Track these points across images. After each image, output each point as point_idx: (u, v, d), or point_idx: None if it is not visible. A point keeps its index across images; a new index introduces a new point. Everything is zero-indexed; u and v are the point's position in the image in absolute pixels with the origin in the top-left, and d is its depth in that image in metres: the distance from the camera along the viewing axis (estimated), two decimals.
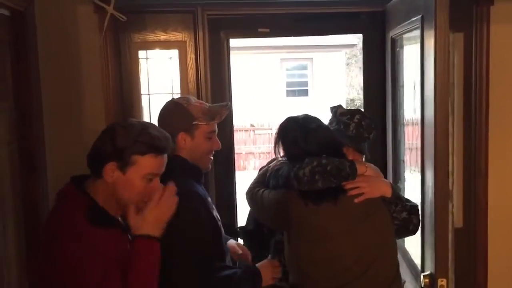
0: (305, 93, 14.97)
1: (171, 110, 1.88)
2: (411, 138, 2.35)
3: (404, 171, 2.44)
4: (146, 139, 1.48)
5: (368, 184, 1.67)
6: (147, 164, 1.48)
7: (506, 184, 2.47)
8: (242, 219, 2.45)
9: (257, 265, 1.87)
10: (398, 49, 2.38)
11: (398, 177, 2.43)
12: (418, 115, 1.99)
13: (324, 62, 14.53)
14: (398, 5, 2.26)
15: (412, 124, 2.26)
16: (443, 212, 1.73)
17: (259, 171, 2.21)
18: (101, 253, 1.39)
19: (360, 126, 1.81)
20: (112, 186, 1.47)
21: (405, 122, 2.42)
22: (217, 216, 1.87)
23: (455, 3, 1.77)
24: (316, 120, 1.78)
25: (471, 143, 2.49)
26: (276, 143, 1.81)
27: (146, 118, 2.52)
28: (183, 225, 1.64)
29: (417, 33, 1.93)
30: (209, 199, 1.92)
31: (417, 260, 2.00)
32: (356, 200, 1.65)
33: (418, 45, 1.92)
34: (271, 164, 1.93)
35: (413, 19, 1.95)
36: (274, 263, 1.86)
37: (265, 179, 1.88)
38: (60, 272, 1.35)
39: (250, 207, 1.95)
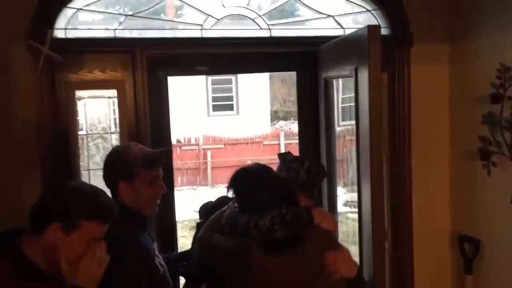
0: (230, 107, 15.12)
1: (112, 158, 1.85)
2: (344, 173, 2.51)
3: (337, 206, 2.59)
4: (96, 206, 1.47)
5: (345, 265, 1.70)
6: (92, 230, 1.47)
7: (428, 211, 2.69)
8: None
9: None
10: (330, 90, 2.53)
11: (333, 208, 2.56)
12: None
13: (248, 76, 14.75)
14: (330, 50, 2.41)
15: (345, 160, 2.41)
16: (380, 250, 1.87)
17: (200, 210, 2.23)
18: None
19: (310, 173, 1.89)
20: (52, 245, 1.43)
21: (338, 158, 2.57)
22: (159, 263, 1.87)
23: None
24: (268, 170, 1.83)
25: (395, 174, 2.68)
26: (228, 191, 1.83)
27: (83, 159, 2.47)
28: (120, 277, 1.63)
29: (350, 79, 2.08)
30: (154, 245, 1.91)
31: None
32: (332, 278, 1.67)
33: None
34: (223, 209, 1.95)
35: (347, 68, 2.09)
36: None
37: (217, 225, 1.88)
38: None
39: (203, 253, 1.92)
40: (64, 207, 1.44)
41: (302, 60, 2.69)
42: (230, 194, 1.83)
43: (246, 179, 1.79)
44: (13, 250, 1.43)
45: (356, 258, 2.03)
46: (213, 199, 2.26)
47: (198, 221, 2.19)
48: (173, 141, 12.30)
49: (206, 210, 2.16)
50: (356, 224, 2.13)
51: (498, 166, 2.32)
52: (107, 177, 1.84)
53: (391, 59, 2.65)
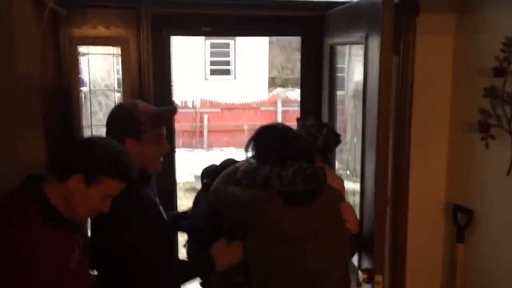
0: (228, 72, 15.03)
1: (118, 115, 1.88)
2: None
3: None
4: (120, 166, 1.54)
5: (353, 219, 1.83)
6: (111, 187, 1.54)
7: (424, 181, 2.73)
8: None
9: (212, 249, 1.92)
10: (336, 57, 2.52)
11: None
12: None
13: (247, 41, 14.63)
14: (339, 16, 2.39)
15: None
16: (381, 215, 1.91)
17: (202, 175, 2.27)
18: (55, 252, 1.46)
19: (327, 139, 1.95)
20: (71, 193, 1.51)
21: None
22: (164, 216, 1.94)
23: None
24: (292, 130, 1.90)
25: (395, 143, 2.71)
26: (248, 147, 1.89)
27: (85, 115, 2.48)
28: (133, 224, 1.72)
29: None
30: (157, 200, 1.97)
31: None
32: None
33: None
34: (238, 164, 1.99)
35: (356, 34, 2.08)
36: (234, 246, 1.90)
37: (231, 178, 1.93)
38: (14, 270, 1.39)
39: (217, 204, 1.96)
40: (91, 161, 1.51)
41: (308, 25, 2.67)
42: (250, 149, 1.88)
43: (271, 136, 1.84)
44: (38, 195, 1.50)
45: None
46: (211, 162, 2.30)
47: (204, 181, 2.23)
48: None
49: (211, 172, 2.19)
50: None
51: (496, 139, 2.34)
52: (112, 134, 1.86)
53: (397, 27, 2.63)
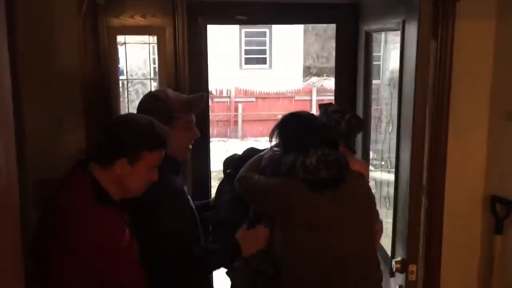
0: (263, 61, 15.00)
1: (150, 103, 1.92)
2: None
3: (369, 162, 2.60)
4: (155, 137, 1.63)
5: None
6: (154, 159, 1.64)
7: (462, 171, 2.67)
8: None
9: (237, 235, 1.94)
10: (372, 44, 2.49)
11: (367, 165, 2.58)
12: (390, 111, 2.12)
13: (282, 30, 14.54)
14: (374, 1, 2.35)
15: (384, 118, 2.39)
16: (416, 204, 1.89)
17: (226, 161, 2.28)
18: (109, 230, 1.56)
19: (350, 124, 1.94)
20: (119, 176, 1.61)
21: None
22: (192, 206, 1.96)
23: None
24: (316, 117, 1.91)
25: (432, 133, 2.65)
26: (272, 135, 1.90)
27: (123, 104, 2.53)
28: (160, 213, 1.78)
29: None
30: (185, 188, 2.00)
31: (385, 244, 2.18)
32: None
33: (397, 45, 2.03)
34: (262, 153, 2.01)
35: (393, 21, 2.04)
36: (259, 231, 1.91)
37: (256, 167, 1.95)
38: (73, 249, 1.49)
39: (243, 192, 1.98)
40: (129, 143, 1.61)
41: (343, 12, 2.64)
42: (275, 137, 1.89)
43: (296, 123, 1.85)
44: (89, 177, 1.60)
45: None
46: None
47: (227, 171, 2.24)
48: None
49: (233, 162, 2.21)
50: (372, 184, 2.15)
51: None
52: None
53: (436, 13, 2.56)
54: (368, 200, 1.83)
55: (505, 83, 2.53)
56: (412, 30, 1.83)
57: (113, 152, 1.61)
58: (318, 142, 1.80)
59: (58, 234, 1.52)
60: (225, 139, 12.47)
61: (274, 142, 1.93)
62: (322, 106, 2.05)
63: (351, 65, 2.69)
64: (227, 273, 2.15)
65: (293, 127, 1.87)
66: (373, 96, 2.67)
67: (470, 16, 2.55)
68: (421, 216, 2.08)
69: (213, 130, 12.39)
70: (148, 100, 1.94)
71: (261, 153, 2.02)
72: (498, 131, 2.60)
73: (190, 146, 2.02)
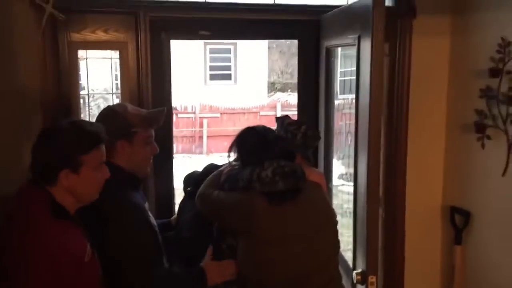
0: (228, 77, 15.06)
1: (109, 117, 1.88)
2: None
3: (333, 175, 2.64)
4: (88, 138, 1.58)
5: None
6: (95, 158, 1.60)
7: (421, 183, 2.74)
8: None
9: (203, 263, 1.93)
10: (332, 58, 2.54)
11: (328, 180, 2.60)
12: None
13: (247, 46, 14.66)
14: (333, 19, 2.41)
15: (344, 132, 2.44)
16: (374, 216, 1.92)
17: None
18: (70, 246, 1.51)
19: (306, 136, 1.97)
20: (68, 187, 1.56)
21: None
22: (153, 223, 1.93)
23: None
24: (272, 131, 1.93)
25: (391, 145, 2.72)
26: (230, 150, 1.91)
27: (84, 118, 2.49)
28: (122, 233, 1.72)
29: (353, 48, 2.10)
30: (146, 205, 1.97)
31: (347, 257, 2.20)
32: None
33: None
34: (221, 169, 2.01)
35: (350, 36, 2.10)
36: (228, 263, 1.89)
37: (215, 183, 1.95)
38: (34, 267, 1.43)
39: (204, 210, 1.97)
40: (62, 155, 1.54)
41: (305, 29, 2.70)
42: (233, 152, 1.91)
43: (253, 137, 1.86)
44: (44, 192, 1.55)
45: (349, 230, 2.12)
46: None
47: (188, 189, 2.23)
48: None
49: (194, 179, 2.20)
50: (347, 197, 2.18)
51: (492, 139, 2.36)
52: None
53: (393, 30, 2.65)
54: (326, 209, 1.85)
55: (460, 97, 2.63)
56: (366, 45, 1.89)
57: (50, 169, 1.55)
58: (274, 154, 1.82)
59: (15, 253, 1.46)
60: (190, 155, 12.38)
61: (232, 157, 1.94)
62: (278, 119, 2.08)
63: (313, 80, 2.74)
64: None
65: (249, 141, 1.89)
66: (347, 111, 2.72)
67: (426, 32, 2.66)
68: (379, 227, 2.12)
69: (178, 146, 12.30)
70: (107, 115, 1.90)
71: (220, 169, 2.02)
72: (454, 143, 2.69)
73: (150, 161, 1.99)
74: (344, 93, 3.13)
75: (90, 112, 2.51)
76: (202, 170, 2.22)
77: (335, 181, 2.84)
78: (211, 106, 13.31)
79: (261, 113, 13.55)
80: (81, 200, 1.62)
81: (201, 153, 12.59)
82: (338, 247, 1.87)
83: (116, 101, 2.54)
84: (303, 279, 1.78)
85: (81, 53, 2.43)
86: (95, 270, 1.63)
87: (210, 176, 2.02)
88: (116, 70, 2.48)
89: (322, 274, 1.80)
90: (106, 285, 1.69)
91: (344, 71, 3.00)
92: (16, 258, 1.45)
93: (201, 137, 12.82)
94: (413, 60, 2.66)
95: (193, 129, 12.79)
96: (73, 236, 1.56)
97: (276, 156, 1.81)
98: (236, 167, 1.91)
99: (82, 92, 2.48)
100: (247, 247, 1.85)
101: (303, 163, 1.95)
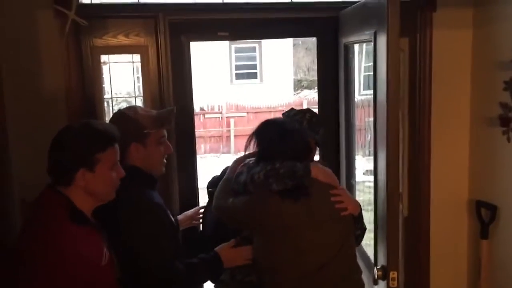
0: (254, 76, 15.08)
1: (120, 121, 1.89)
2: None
3: (355, 171, 2.64)
4: (100, 137, 1.61)
5: (350, 201, 1.86)
6: (110, 157, 1.63)
7: (446, 177, 2.71)
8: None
9: (218, 248, 1.98)
10: (350, 55, 2.54)
11: (351, 176, 2.61)
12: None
13: (272, 44, 14.64)
14: (351, 15, 2.40)
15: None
16: (394, 211, 1.91)
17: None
18: (88, 250, 1.54)
19: (311, 122, 2.01)
20: (85, 187, 1.59)
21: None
22: (173, 220, 1.97)
23: (401, 10, 1.86)
24: (291, 123, 1.93)
25: (415, 140, 2.70)
26: (249, 142, 1.93)
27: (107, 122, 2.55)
28: (140, 226, 1.77)
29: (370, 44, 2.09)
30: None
31: (370, 253, 2.20)
32: (342, 214, 1.81)
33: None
34: (226, 176, 2.04)
35: (366, 32, 2.09)
36: (243, 249, 1.95)
37: (226, 189, 1.98)
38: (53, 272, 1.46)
39: (224, 220, 2.01)
40: (79, 154, 1.58)
41: (323, 26, 2.70)
42: (253, 144, 1.93)
43: (270, 129, 1.90)
44: (62, 197, 1.58)
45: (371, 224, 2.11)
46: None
47: (209, 189, 2.27)
48: (197, 109, 12.43)
49: (214, 183, 2.23)
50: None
51: None
52: None
53: (413, 24, 2.63)
54: (331, 207, 1.84)
55: (483, 90, 2.58)
56: (382, 41, 1.88)
57: (67, 169, 1.57)
58: (288, 150, 1.83)
59: (33, 258, 1.49)
60: (218, 154, 12.48)
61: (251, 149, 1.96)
62: (284, 114, 2.11)
63: (333, 78, 2.73)
64: (215, 285, 2.17)
65: (268, 132, 1.90)
66: (367, 107, 2.70)
67: (447, 25, 2.62)
68: (400, 223, 2.10)
69: (206, 146, 12.41)
70: (117, 119, 1.93)
71: (226, 176, 2.04)
72: (479, 137, 2.64)
73: (165, 161, 2.03)
74: (368, 89, 3.11)
75: None
76: (221, 173, 2.25)
77: (361, 177, 2.82)
78: (237, 106, 13.36)
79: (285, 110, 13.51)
80: (98, 199, 1.64)
81: (229, 152, 12.66)
82: (346, 238, 1.86)
83: (139, 104, 2.59)
84: (316, 272, 1.81)
85: (103, 58, 2.50)
86: (111, 273, 1.66)
87: (220, 184, 2.04)
88: (138, 73, 2.53)
89: (334, 268, 1.81)
90: (125, 283, 1.73)
91: (366, 66, 2.98)
92: (33, 263, 1.48)
93: (228, 137, 12.89)
94: (434, 54, 2.63)
95: (220, 129, 12.86)
96: (90, 241, 1.58)
97: (292, 150, 1.83)
98: (251, 162, 1.93)
99: (105, 96, 2.54)
100: (264, 243, 1.89)
101: (315, 149, 1.97)
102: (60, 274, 1.47)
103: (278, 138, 1.85)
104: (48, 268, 1.47)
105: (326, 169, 1.90)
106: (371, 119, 2.10)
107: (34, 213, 1.60)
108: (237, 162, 2.08)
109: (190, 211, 2.46)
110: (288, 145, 1.84)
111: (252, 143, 1.93)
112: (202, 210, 2.41)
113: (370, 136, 2.47)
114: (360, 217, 1.90)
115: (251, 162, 1.92)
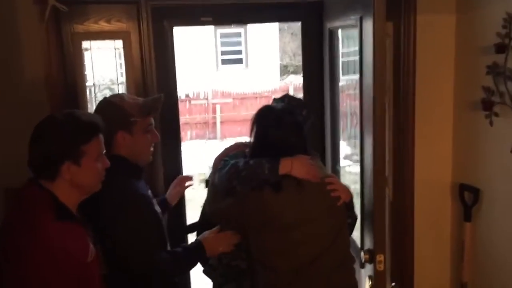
0: (239, 61, 15.00)
1: (106, 109, 1.88)
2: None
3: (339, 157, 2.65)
4: (84, 127, 1.56)
5: (342, 188, 1.88)
6: (95, 148, 1.58)
7: (430, 161, 2.73)
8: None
9: (201, 236, 1.99)
10: (335, 41, 2.53)
11: (335, 162, 2.62)
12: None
13: (257, 29, 14.57)
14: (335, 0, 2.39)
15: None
16: (380, 195, 1.92)
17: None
18: (73, 247, 1.50)
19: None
20: (71, 180, 1.54)
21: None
22: (158, 210, 1.97)
23: None
24: (290, 110, 1.93)
25: (399, 124, 2.71)
26: (251, 130, 1.93)
27: (91, 110, 2.52)
28: (125, 218, 1.76)
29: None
30: (150, 192, 2.00)
31: (356, 237, 2.22)
32: (338, 204, 1.84)
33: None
34: (215, 181, 2.02)
35: (352, 17, 2.08)
36: (226, 234, 1.96)
37: (217, 193, 1.97)
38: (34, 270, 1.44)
39: (223, 224, 2.02)
40: (63, 146, 1.52)
41: (308, 10, 2.68)
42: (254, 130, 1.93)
43: (270, 115, 1.90)
44: (46, 192, 1.53)
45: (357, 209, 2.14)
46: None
47: (206, 179, 2.28)
48: (182, 95, 12.36)
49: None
50: (354, 178, 2.19)
51: (500, 116, 2.33)
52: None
53: (397, 8, 2.62)
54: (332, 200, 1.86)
55: (467, 74, 2.60)
56: (368, 26, 1.87)
57: (51, 163, 1.52)
58: (285, 134, 1.86)
59: (18, 256, 1.44)
60: (204, 140, 12.45)
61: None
62: (277, 100, 2.11)
63: (318, 63, 2.73)
64: (203, 271, 2.18)
65: (266, 118, 1.90)
66: (352, 91, 2.71)
67: (431, 10, 2.62)
68: (386, 206, 2.12)
69: (192, 132, 12.37)
70: (104, 107, 1.91)
71: (215, 181, 2.00)
72: (462, 121, 2.66)
73: (152, 149, 2.01)
74: (347, 74, 3.11)
75: (97, 103, 2.52)
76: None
77: (342, 162, 2.83)
78: (223, 92, 13.30)
79: (273, 97, 13.48)
80: (83, 192, 1.61)
81: (215, 138, 12.64)
82: (339, 228, 1.88)
83: (122, 91, 2.56)
84: (310, 263, 1.82)
85: (85, 44, 2.45)
86: (97, 269, 1.63)
87: (209, 189, 2.05)
88: (120, 60, 2.50)
89: (329, 258, 1.82)
90: (111, 279, 1.72)
91: (344, 52, 2.97)
92: (20, 261, 1.44)
93: (214, 123, 12.86)
94: (418, 39, 2.63)
95: (206, 115, 12.82)
96: (76, 237, 1.53)
97: (290, 135, 1.85)
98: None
99: (88, 84, 2.50)
100: (261, 236, 1.89)
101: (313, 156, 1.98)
102: (48, 271, 1.44)
103: (274, 125, 1.86)
104: (35, 266, 1.44)
105: (305, 165, 1.87)
106: (353, 103, 2.11)
107: (17, 210, 1.55)
108: (217, 159, 2.08)
109: (171, 185, 2.47)
110: (282, 133, 1.85)
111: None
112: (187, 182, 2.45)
113: (356, 121, 2.47)
114: (351, 203, 1.91)
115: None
